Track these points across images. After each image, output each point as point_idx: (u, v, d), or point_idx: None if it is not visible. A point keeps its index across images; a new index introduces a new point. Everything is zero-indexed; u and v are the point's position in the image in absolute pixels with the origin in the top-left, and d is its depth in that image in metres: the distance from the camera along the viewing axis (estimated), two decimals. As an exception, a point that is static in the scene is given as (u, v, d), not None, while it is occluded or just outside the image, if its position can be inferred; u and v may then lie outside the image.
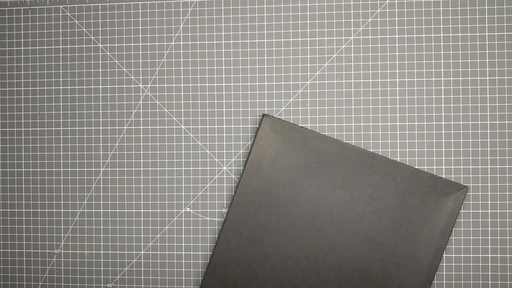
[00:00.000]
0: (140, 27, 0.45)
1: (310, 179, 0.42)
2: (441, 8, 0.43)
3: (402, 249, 0.41)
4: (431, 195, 0.41)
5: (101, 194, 0.45)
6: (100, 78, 0.45)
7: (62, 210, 0.46)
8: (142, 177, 0.45)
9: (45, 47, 0.46)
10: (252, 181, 0.42)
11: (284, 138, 0.42)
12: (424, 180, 0.41)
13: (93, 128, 0.45)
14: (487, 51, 0.42)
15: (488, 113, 0.42)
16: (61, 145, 0.46)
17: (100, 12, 0.45)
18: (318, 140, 0.42)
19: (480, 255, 0.43)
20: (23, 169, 0.46)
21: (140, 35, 0.45)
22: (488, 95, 0.42)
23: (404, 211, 0.41)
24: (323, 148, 0.42)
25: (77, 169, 0.45)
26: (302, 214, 0.42)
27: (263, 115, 0.42)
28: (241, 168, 0.44)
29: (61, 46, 0.46)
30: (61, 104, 0.46)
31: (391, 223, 0.41)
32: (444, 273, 0.43)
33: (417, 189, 0.41)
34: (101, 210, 0.45)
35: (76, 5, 0.46)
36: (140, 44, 0.45)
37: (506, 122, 0.42)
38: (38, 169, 0.46)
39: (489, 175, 0.42)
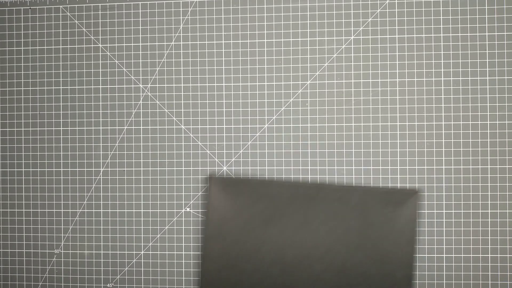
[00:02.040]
0: (140, 27, 0.45)
1: (270, 226, 0.42)
2: (441, 8, 0.43)
3: (374, 268, 0.41)
4: (388, 208, 0.41)
5: (101, 194, 0.45)
6: (100, 78, 0.45)
7: (62, 210, 0.46)
8: (142, 177, 0.45)
9: (45, 47, 0.46)
10: (216, 245, 0.42)
11: (235, 195, 0.42)
12: (377, 195, 0.41)
13: (93, 128, 0.45)
14: (487, 51, 0.42)
15: (488, 113, 0.42)
16: (61, 145, 0.46)
17: (100, 12, 0.45)
18: (266, 186, 0.42)
19: (480, 255, 0.43)
20: (23, 169, 0.46)
21: (140, 35, 0.45)
22: (488, 95, 0.42)
23: (366, 231, 0.41)
24: (273, 192, 0.42)
25: (77, 169, 0.45)
26: (272, 263, 0.42)
27: (209, 177, 0.43)
28: (200, 236, 0.44)
29: (61, 46, 0.46)
30: (61, 104, 0.46)
31: (357, 247, 0.41)
32: (444, 273, 0.43)
33: (372, 207, 0.41)
34: (101, 210, 0.45)
35: (76, 5, 0.46)
36: (140, 44, 0.45)
37: (506, 122, 0.42)
38: (38, 169, 0.46)
39: (489, 175, 0.42)
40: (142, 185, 0.45)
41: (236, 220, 0.42)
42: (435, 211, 0.43)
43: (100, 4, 0.45)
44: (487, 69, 0.42)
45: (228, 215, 0.42)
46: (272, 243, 0.42)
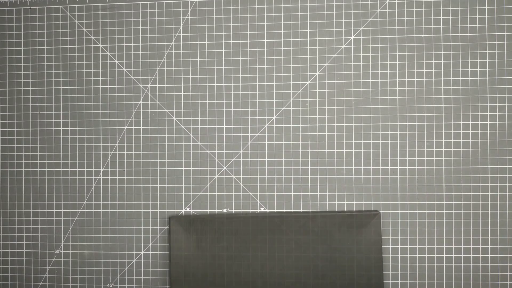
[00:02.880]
0: (140, 27, 0.45)
1: (237, 261, 0.42)
2: (441, 8, 0.43)
3: None
4: (352, 232, 0.42)
5: (101, 194, 0.45)
6: (100, 78, 0.45)
7: (62, 210, 0.46)
8: (142, 177, 0.45)
9: (45, 47, 0.46)
10: (183, 285, 0.42)
11: (197, 233, 0.43)
12: (339, 220, 0.42)
13: (93, 128, 0.45)
14: (487, 51, 0.42)
15: (488, 113, 0.42)
16: (61, 145, 0.46)
17: (100, 12, 0.45)
18: (228, 221, 0.43)
19: (480, 255, 0.43)
20: (23, 169, 0.46)
21: (140, 35, 0.45)
22: (488, 95, 0.42)
23: (333, 255, 0.42)
24: (235, 227, 0.42)
25: (77, 169, 0.45)
26: None
27: (169, 218, 0.43)
28: (167, 278, 0.44)
29: (61, 46, 0.46)
30: (61, 104, 0.46)
31: (326, 273, 0.42)
32: (444, 273, 0.43)
33: (336, 232, 0.42)
34: (101, 210, 0.45)
35: (76, 5, 0.46)
36: (140, 44, 0.45)
37: (506, 122, 0.42)
38: (38, 169, 0.46)
39: (489, 175, 0.42)
40: (142, 185, 0.45)
41: (202, 259, 0.42)
42: (435, 211, 0.43)
43: (100, 4, 0.45)
44: (487, 69, 0.42)
45: (192, 254, 0.42)
46: (240, 278, 0.42)
